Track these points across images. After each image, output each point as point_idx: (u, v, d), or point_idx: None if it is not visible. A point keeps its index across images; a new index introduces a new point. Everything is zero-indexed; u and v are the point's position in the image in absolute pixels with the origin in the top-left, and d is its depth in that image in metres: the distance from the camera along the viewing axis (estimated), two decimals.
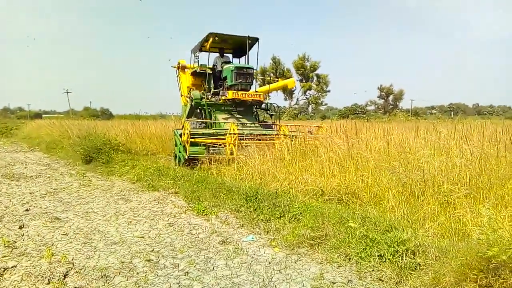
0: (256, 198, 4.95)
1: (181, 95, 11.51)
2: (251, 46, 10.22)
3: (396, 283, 2.90)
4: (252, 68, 9.82)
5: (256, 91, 10.34)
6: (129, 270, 3.18)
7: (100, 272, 3.13)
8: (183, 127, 8.75)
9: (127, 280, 3.01)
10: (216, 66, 10.63)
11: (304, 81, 53.61)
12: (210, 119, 9.66)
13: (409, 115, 50.29)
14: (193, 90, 10.49)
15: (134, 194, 6.09)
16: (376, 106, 64.12)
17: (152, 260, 3.40)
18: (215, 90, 10.11)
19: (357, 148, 6.12)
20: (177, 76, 11.68)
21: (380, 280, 2.96)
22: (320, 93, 53.96)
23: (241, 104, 9.76)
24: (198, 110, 10.37)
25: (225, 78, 9.76)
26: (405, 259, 3.09)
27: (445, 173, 4.68)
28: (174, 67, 11.66)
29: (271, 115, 10.81)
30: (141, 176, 7.23)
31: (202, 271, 3.18)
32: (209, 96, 9.91)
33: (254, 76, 10.14)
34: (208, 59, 10.87)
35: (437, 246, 3.16)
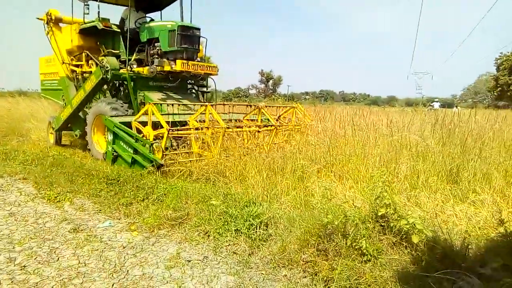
0: (118, 181, 4.65)
1: (62, 63, 8.16)
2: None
3: (249, 254, 3.05)
4: (199, 29, 7.29)
5: (201, 61, 7.82)
6: None
7: None
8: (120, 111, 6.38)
9: None
10: (126, 22, 7.54)
11: None
12: (135, 98, 7.09)
13: (286, 99, 53.86)
14: (87, 54, 7.63)
15: None
16: (257, 90, 66.84)
17: None
18: (136, 57, 7.31)
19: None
20: (48, 34, 8.28)
21: (234, 253, 3.08)
22: None
23: (173, 79, 7.38)
24: (106, 86, 7.66)
25: (153, 40, 7.19)
26: (259, 231, 3.27)
27: (302, 151, 5.10)
28: (41, 19, 8.29)
29: (203, 93, 8.36)
30: None
31: (44, 263, 2.84)
32: (134, 66, 7.13)
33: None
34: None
35: (288, 217, 3.42)
